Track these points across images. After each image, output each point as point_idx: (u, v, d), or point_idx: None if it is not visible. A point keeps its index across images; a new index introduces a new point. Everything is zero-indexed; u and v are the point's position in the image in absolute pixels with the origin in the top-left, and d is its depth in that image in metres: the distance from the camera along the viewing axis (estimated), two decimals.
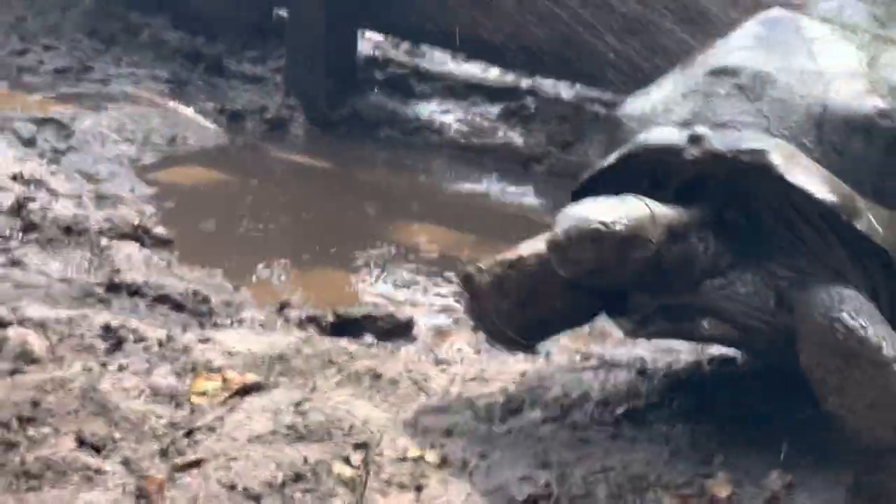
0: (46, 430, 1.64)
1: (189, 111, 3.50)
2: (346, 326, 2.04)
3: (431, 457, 1.61)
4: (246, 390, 1.72)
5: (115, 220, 2.52)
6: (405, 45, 3.86)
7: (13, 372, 1.85)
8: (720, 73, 1.69)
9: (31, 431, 1.64)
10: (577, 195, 1.64)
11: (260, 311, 2.07)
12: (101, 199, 2.74)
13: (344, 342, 1.99)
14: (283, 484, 1.51)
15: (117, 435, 1.61)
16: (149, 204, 2.78)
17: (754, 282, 1.60)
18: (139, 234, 2.33)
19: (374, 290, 2.44)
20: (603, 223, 1.47)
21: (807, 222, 1.60)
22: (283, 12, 3.73)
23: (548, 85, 3.55)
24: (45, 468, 1.54)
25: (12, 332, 1.97)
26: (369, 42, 3.74)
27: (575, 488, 1.53)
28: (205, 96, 3.64)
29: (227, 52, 3.87)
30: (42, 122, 3.18)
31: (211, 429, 1.60)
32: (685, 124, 1.62)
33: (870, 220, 1.56)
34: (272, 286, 2.38)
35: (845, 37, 1.81)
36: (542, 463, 1.59)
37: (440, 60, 3.84)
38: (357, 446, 1.63)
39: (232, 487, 1.45)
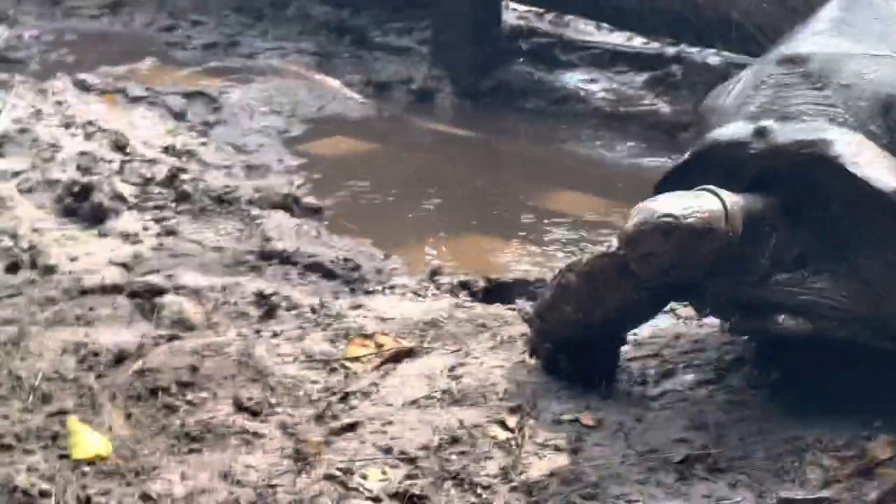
0: (205, 394, 1.77)
1: (335, 83, 3.64)
2: (497, 292, 2.07)
3: (587, 419, 1.66)
4: (399, 356, 1.78)
5: (264, 190, 2.65)
6: (550, 15, 3.92)
7: (171, 338, 1.98)
8: (790, 61, 1.76)
9: (190, 396, 1.78)
10: (659, 190, 1.71)
11: (411, 279, 2.14)
12: (250, 169, 2.89)
13: (496, 307, 2.04)
14: (439, 447, 1.56)
15: (273, 399, 1.72)
16: (297, 174, 2.91)
17: (833, 275, 1.68)
18: (289, 204, 2.43)
19: (525, 256, 2.47)
20: (674, 216, 1.54)
21: (881, 213, 1.65)
22: None
23: (694, 52, 3.58)
24: (205, 431, 1.65)
25: (169, 300, 2.13)
26: (514, 12, 3.83)
27: (732, 450, 1.55)
28: (351, 68, 3.81)
29: (373, 24, 4.01)
30: (191, 96, 3.40)
31: (365, 393, 1.70)
32: (754, 118, 1.71)
33: None
34: (422, 254, 2.45)
35: None
36: (698, 425, 1.62)
37: (584, 30, 3.89)
38: (512, 410, 1.68)
39: (388, 450, 1.51)
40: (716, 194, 1.63)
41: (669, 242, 1.59)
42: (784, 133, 1.65)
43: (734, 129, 1.76)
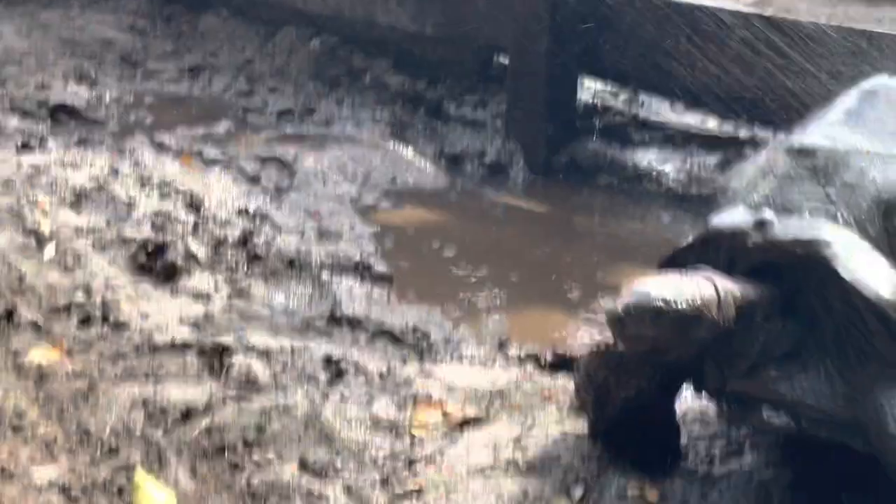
0: (270, 454, 1.85)
1: (409, 153, 3.83)
2: (564, 364, 2.13)
3: (651, 495, 1.73)
4: (466, 423, 1.89)
5: (336, 255, 2.78)
6: (624, 95, 4.07)
7: (239, 398, 2.08)
8: (799, 152, 1.83)
9: (255, 455, 1.85)
10: (662, 268, 1.80)
11: (479, 348, 2.22)
12: (322, 234, 3.02)
13: (562, 379, 2.09)
14: None
15: (339, 463, 1.82)
16: (369, 241, 3.03)
17: (822, 375, 1.75)
18: (360, 270, 2.56)
19: (592, 330, 2.54)
20: (665, 300, 1.59)
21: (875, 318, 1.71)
22: (505, 59, 4.06)
23: (768, 134, 3.59)
24: (270, 491, 1.74)
25: (238, 360, 2.24)
26: (588, 90, 3.99)
27: None
28: (424, 139, 3.99)
29: (448, 96, 4.21)
30: (266, 161, 3.57)
31: (431, 460, 1.77)
32: (757, 207, 1.79)
33: None
34: (490, 324, 2.54)
35: None
36: None
37: (658, 110, 4.03)
38: (577, 481, 1.77)
39: None
40: (710, 280, 1.71)
41: (659, 326, 1.66)
42: (782, 228, 1.73)
43: (736, 218, 1.84)
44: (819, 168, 1.81)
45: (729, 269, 1.80)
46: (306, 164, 3.66)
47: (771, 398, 1.76)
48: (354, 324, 2.30)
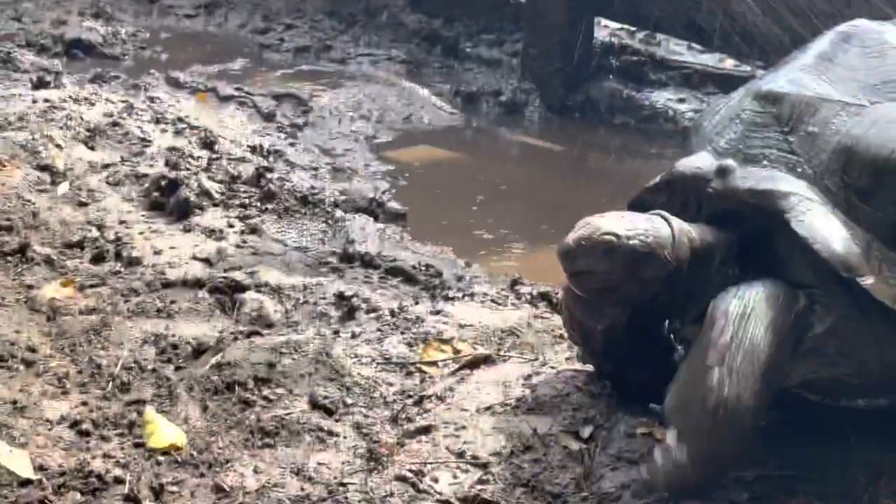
0: (281, 391, 1.85)
1: (425, 92, 3.78)
2: None
3: (660, 434, 1.64)
4: (476, 362, 1.85)
5: (349, 193, 2.76)
6: (641, 34, 4.06)
7: (250, 334, 2.05)
8: (765, 97, 1.81)
9: (266, 392, 1.86)
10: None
11: (491, 287, 2.20)
12: (336, 172, 2.99)
13: None
14: (512, 453, 1.62)
15: (349, 400, 1.80)
16: (383, 179, 3.01)
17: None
18: (373, 208, 2.53)
19: None
20: (616, 235, 1.57)
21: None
22: None
23: None
24: (280, 427, 1.74)
25: (249, 297, 2.21)
26: (605, 29, 3.95)
27: (800, 471, 1.70)
28: (440, 78, 3.98)
29: (464, 35, 4.18)
30: (281, 98, 3.51)
31: (441, 397, 1.76)
32: (722, 153, 1.80)
33: (877, 277, 1.69)
34: (503, 263, 2.52)
35: None
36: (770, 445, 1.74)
37: (675, 50, 4.02)
38: (586, 420, 1.74)
39: (460, 455, 1.59)
40: (667, 220, 1.68)
41: (609, 262, 1.63)
42: (741, 177, 1.74)
43: (699, 162, 1.83)
44: (783, 115, 1.79)
45: (696, 213, 1.81)
46: (321, 101, 3.64)
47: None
48: (367, 261, 2.29)
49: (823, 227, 1.69)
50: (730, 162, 1.77)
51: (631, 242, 1.62)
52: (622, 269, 1.65)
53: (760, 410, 1.57)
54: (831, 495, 1.72)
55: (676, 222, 1.69)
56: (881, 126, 1.76)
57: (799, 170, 1.76)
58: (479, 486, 1.57)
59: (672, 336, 1.87)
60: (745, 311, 1.59)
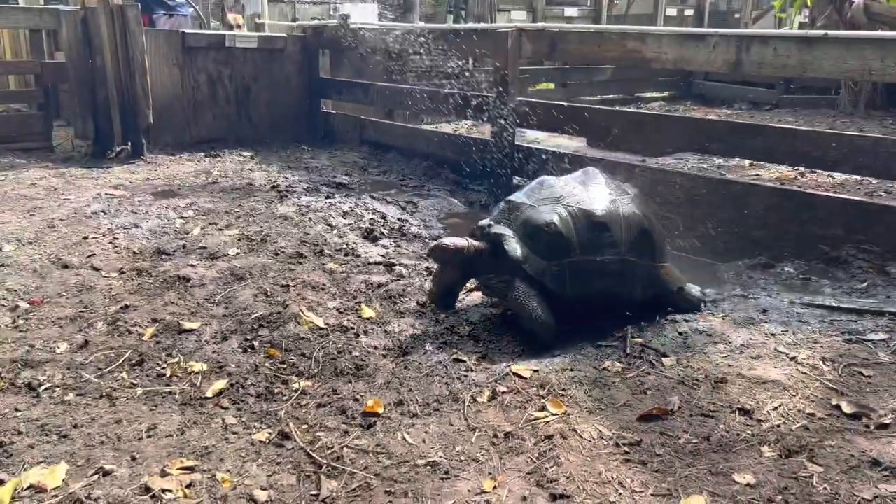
0: (405, 298, 3.89)
1: (455, 200, 5.98)
2: None
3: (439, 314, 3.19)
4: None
5: (431, 231, 4.90)
6: None
7: (397, 279, 3.81)
8: (506, 203, 3.11)
9: (402, 299, 3.79)
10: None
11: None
12: (426, 226, 5.05)
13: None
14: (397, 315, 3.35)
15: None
16: (441, 227, 5.08)
17: (500, 280, 3.02)
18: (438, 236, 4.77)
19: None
20: (445, 244, 3.01)
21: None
22: None
23: None
24: (402, 294, 3.88)
25: (397, 268, 4.00)
26: None
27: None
28: (462, 196, 5.98)
29: (471, 181, 6.03)
30: (407, 202, 5.62)
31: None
32: (492, 220, 3.08)
33: (530, 264, 2.89)
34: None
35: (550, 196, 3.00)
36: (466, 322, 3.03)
37: None
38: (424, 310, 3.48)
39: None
40: (466, 240, 2.99)
41: (442, 253, 3.00)
42: (495, 229, 3.00)
43: (484, 223, 3.12)
44: (510, 208, 3.05)
45: (481, 238, 3.06)
46: (421, 204, 5.38)
47: (494, 290, 3.13)
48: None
49: (514, 248, 2.90)
50: (493, 223, 3.05)
51: (449, 246, 2.96)
52: (447, 257, 3.01)
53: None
54: (608, 337, 2.94)
55: (471, 241, 2.99)
56: (535, 213, 2.94)
57: (512, 228, 2.97)
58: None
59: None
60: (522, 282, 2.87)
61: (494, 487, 2.09)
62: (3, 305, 3.41)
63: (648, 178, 4.61)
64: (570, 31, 5.42)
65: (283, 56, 7.78)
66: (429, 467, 2.20)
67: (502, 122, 5.59)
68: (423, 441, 2.35)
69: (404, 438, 2.37)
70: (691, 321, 3.18)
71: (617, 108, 5.36)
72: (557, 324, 2.87)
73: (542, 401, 2.57)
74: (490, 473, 2.17)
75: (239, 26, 8.51)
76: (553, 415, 2.48)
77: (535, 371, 2.79)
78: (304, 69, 7.89)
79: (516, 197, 3.08)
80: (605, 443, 2.31)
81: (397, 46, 6.63)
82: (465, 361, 2.88)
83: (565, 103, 5.71)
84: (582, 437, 2.34)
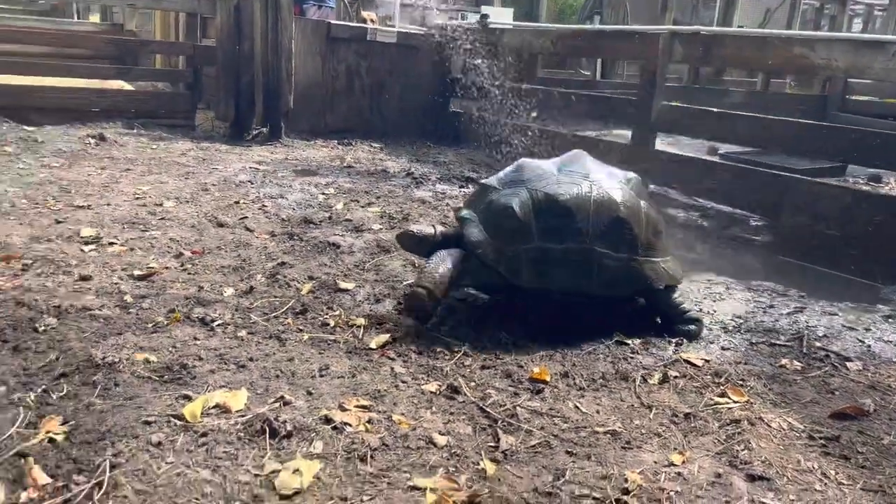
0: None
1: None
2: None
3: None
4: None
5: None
6: None
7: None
8: (480, 185, 2.95)
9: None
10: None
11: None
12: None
13: None
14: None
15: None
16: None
17: (478, 268, 2.79)
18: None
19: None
20: (412, 230, 2.87)
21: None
22: None
23: None
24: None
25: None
26: None
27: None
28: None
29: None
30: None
31: None
32: (463, 205, 2.96)
33: (483, 250, 2.69)
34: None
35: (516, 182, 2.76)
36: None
37: None
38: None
39: None
40: (433, 227, 2.87)
41: (409, 239, 2.88)
42: (461, 214, 2.83)
43: (458, 207, 3.15)
44: (480, 192, 2.88)
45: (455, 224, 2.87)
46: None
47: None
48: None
49: (473, 233, 2.74)
50: (461, 208, 2.91)
51: (416, 233, 2.84)
52: (413, 242, 2.88)
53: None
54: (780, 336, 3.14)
55: (440, 227, 2.85)
56: (497, 197, 2.74)
57: (476, 212, 2.79)
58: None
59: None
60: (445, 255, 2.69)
61: (683, 462, 1.99)
62: (169, 252, 3.58)
63: (805, 191, 4.41)
64: (728, 35, 5.27)
65: (418, 53, 7.95)
66: (609, 435, 2.14)
67: (643, 126, 5.48)
68: (597, 412, 2.29)
69: (577, 407, 2.31)
70: (872, 330, 3.02)
71: (771, 116, 5.07)
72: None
73: (720, 388, 2.46)
74: (676, 448, 2.08)
75: (373, 21, 8.73)
76: (735, 402, 2.37)
77: (707, 360, 2.69)
78: (436, 68, 8.04)
79: (488, 180, 2.89)
80: (798, 434, 2.19)
81: (538, 46, 6.65)
82: (628, 344, 2.81)
83: (714, 109, 5.52)
84: (770, 427, 2.22)
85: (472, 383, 2.44)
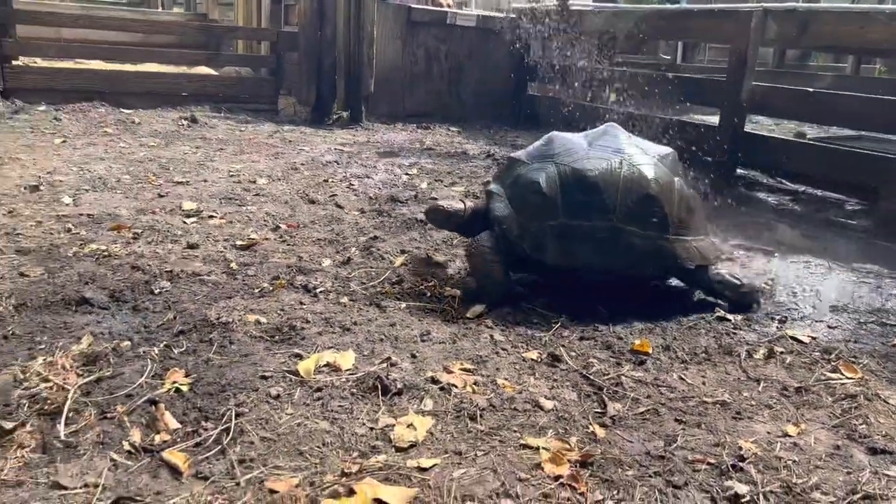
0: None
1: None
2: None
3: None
4: None
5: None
6: None
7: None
8: (508, 159, 2.88)
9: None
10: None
11: None
12: None
13: None
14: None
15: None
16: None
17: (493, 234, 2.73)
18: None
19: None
20: (441, 205, 2.91)
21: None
22: None
23: None
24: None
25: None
26: None
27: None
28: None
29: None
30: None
31: None
32: (492, 179, 2.90)
33: (508, 226, 2.64)
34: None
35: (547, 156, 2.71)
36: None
37: None
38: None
39: None
40: (463, 202, 2.90)
41: (435, 215, 2.93)
42: (492, 187, 2.81)
43: (487, 182, 3.04)
44: (509, 166, 2.85)
45: (483, 198, 2.85)
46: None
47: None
48: None
49: (496, 206, 2.72)
50: (491, 181, 2.86)
51: (445, 207, 2.87)
52: (443, 217, 2.92)
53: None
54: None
55: (469, 202, 2.87)
56: (525, 171, 2.71)
57: (503, 186, 2.77)
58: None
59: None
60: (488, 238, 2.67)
61: (798, 433, 1.95)
62: (266, 225, 3.70)
63: None
64: (827, 11, 5.06)
65: (496, 37, 7.93)
66: (718, 405, 2.11)
67: (732, 108, 5.33)
68: (703, 383, 2.26)
69: (681, 378, 2.29)
70: None
71: (879, 95, 4.86)
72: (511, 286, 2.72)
73: (831, 364, 2.39)
74: (789, 420, 2.04)
75: (449, 5, 8.74)
76: (848, 378, 2.30)
77: (814, 338, 2.62)
78: (514, 51, 7.97)
79: (517, 154, 2.82)
80: None
81: (621, 28, 6.53)
82: (729, 320, 2.76)
83: (810, 89, 5.33)
84: (888, 403, 2.16)
85: (573, 353, 2.44)
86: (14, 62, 6.74)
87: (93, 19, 7.77)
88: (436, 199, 3.03)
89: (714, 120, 5.87)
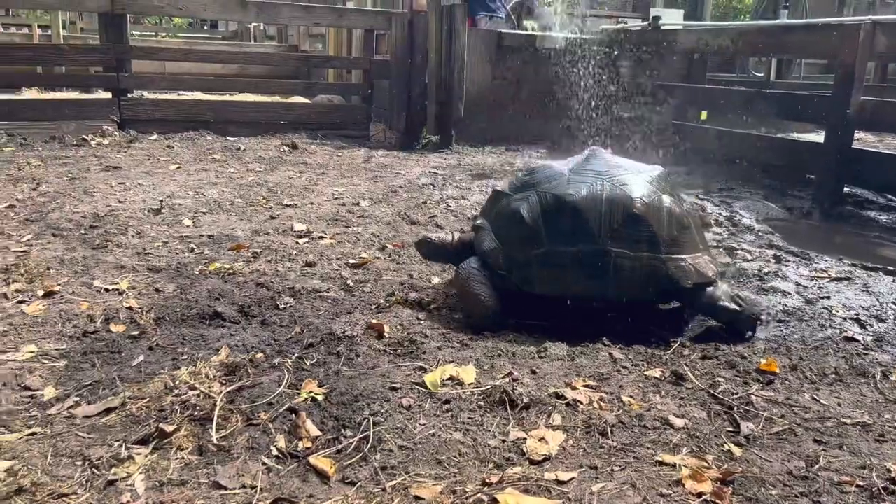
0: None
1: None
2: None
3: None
4: None
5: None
6: None
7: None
8: (496, 192, 2.82)
9: None
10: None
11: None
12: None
13: None
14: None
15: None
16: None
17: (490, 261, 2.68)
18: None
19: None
20: (430, 237, 2.93)
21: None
22: None
23: None
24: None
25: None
26: None
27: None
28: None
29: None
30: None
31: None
32: (483, 214, 2.86)
33: (493, 259, 2.63)
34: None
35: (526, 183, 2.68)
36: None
37: None
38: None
39: None
40: (451, 234, 2.93)
41: (425, 247, 2.94)
42: (478, 223, 2.80)
43: (475, 217, 3.01)
44: (494, 199, 2.83)
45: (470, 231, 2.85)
46: (734, 205, 5.56)
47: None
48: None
49: (484, 241, 2.71)
50: (478, 216, 2.89)
51: (433, 239, 2.92)
52: (432, 249, 2.95)
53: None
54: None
55: (457, 234, 2.92)
56: (507, 202, 2.69)
57: (488, 220, 2.78)
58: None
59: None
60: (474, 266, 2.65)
61: None
62: (373, 245, 3.81)
63: None
64: None
65: (582, 60, 7.88)
66: (858, 427, 2.03)
67: (838, 123, 5.14)
68: (838, 404, 2.18)
69: (814, 398, 2.21)
70: None
71: None
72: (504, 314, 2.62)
73: None
74: None
75: (534, 30, 8.79)
76: None
77: None
78: (600, 73, 7.91)
79: (501, 186, 2.78)
80: None
81: (715, 46, 6.42)
82: (859, 341, 2.65)
83: None
84: None
85: (696, 371, 2.40)
86: (129, 94, 7.19)
87: (199, 53, 8.21)
88: (426, 233, 3.10)
89: (815, 137, 5.68)
